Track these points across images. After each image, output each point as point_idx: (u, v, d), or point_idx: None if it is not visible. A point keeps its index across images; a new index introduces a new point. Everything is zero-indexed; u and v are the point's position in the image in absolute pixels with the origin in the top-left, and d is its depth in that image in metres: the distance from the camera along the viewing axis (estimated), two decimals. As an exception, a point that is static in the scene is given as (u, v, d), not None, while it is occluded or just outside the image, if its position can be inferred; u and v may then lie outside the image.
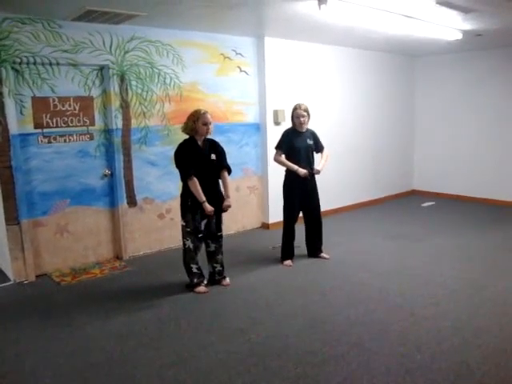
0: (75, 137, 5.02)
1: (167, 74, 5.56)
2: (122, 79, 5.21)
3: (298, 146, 5.00)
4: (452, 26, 5.63)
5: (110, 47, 5.07)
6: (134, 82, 5.31)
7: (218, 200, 4.44)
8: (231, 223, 6.42)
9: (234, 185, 6.36)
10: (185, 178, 4.25)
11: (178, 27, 5.45)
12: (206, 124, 4.25)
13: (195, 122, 4.24)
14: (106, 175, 5.28)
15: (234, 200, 6.34)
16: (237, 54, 6.19)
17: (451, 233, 6.30)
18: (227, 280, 4.59)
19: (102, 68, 5.11)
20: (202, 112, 4.27)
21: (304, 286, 4.55)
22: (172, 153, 5.59)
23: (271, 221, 6.67)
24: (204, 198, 4.21)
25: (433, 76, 8.67)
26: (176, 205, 5.73)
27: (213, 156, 4.38)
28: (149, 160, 5.55)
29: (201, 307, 4.10)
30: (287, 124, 6.57)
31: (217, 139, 6.06)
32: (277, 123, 6.54)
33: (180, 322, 3.81)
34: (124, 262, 5.32)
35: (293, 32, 5.98)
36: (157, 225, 5.67)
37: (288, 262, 5.15)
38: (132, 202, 5.48)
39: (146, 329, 3.71)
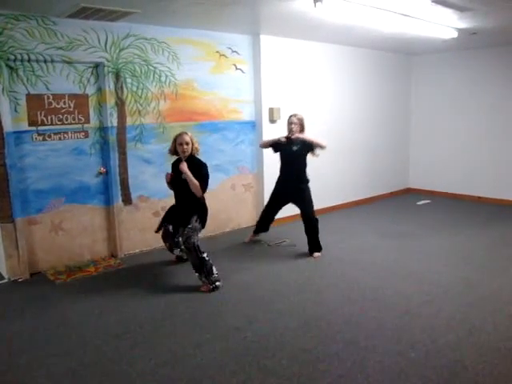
0: (70, 134, 5.00)
1: (162, 71, 5.54)
2: (117, 77, 5.19)
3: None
4: (447, 25, 5.64)
5: (105, 44, 5.04)
6: (129, 80, 5.29)
7: (186, 219, 4.50)
8: (226, 221, 6.42)
9: (229, 183, 6.37)
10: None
11: (174, 25, 5.43)
12: (182, 144, 4.46)
13: (173, 142, 4.56)
14: (101, 173, 5.26)
15: (229, 198, 6.39)
16: (232, 51, 6.17)
17: (446, 231, 6.32)
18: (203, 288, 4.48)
19: (96, 65, 5.09)
20: (179, 133, 4.56)
21: (299, 283, 4.56)
22: (167, 151, 5.62)
23: (267, 219, 6.67)
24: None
25: (428, 74, 8.68)
26: (171, 202, 5.74)
27: (184, 176, 4.47)
28: (144, 158, 5.54)
29: (196, 305, 4.09)
30: (282, 122, 6.59)
31: (212, 137, 6.14)
32: (272, 121, 6.53)
33: (175, 321, 3.81)
34: (119, 260, 5.31)
35: (288, 30, 5.97)
36: (152, 223, 5.65)
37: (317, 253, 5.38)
38: (127, 199, 5.47)
39: (140, 327, 3.70)
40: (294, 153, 5.30)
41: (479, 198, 8.20)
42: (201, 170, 4.48)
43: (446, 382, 2.89)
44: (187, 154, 4.48)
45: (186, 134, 4.54)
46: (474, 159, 8.22)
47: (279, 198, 5.61)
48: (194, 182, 4.38)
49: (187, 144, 4.47)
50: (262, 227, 5.91)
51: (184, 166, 4.41)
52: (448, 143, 8.55)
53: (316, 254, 5.33)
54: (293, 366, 3.10)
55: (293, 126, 5.28)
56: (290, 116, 5.38)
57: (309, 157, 5.35)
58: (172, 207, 4.83)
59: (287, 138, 5.29)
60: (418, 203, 8.19)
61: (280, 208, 5.76)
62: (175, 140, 4.53)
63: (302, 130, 5.33)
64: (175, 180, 4.57)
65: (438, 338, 3.44)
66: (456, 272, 4.77)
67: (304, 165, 5.37)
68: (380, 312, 3.89)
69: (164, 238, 4.95)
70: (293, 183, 5.39)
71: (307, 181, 5.41)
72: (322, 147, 5.23)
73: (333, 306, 4.01)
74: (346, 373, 3.01)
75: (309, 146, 5.25)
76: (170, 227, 4.80)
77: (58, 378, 3.03)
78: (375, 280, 4.59)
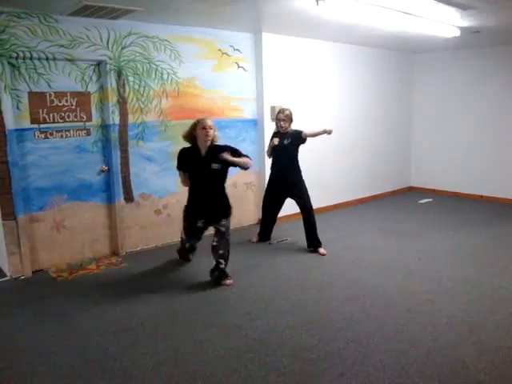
0: (72, 132, 5.01)
1: (164, 69, 5.54)
2: (119, 75, 5.19)
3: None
4: (450, 23, 5.62)
5: (107, 42, 5.04)
6: (131, 78, 5.29)
7: (218, 212, 4.43)
8: (228, 219, 6.42)
9: (230, 181, 6.33)
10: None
11: (176, 22, 5.43)
12: (205, 128, 4.23)
13: (194, 128, 4.30)
14: (102, 171, 5.27)
15: (230, 196, 6.36)
16: (234, 49, 6.17)
17: (448, 230, 6.31)
18: (230, 281, 4.49)
19: (99, 63, 5.09)
20: (202, 118, 4.35)
21: (301, 282, 4.56)
22: (169, 149, 5.63)
23: (268, 217, 6.67)
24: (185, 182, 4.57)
25: (431, 73, 8.67)
26: (173, 200, 5.75)
27: (214, 165, 4.30)
28: (146, 156, 5.54)
29: (197, 303, 4.10)
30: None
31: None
32: (274, 119, 6.52)
33: (177, 318, 3.81)
34: (121, 258, 5.32)
35: (290, 28, 5.96)
36: (153, 221, 5.67)
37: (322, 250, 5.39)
38: (129, 197, 5.47)
39: (142, 325, 3.71)
40: (286, 146, 5.36)
41: (481, 196, 8.19)
42: (235, 150, 4.36)
43: (447, 380, 2.89)
44: (210, 138, 4.28)
45: (209, 118, 4.39)
46: (476, 158, 8.21)
47: (276, 196, 5.62)
48: (243, 160, 4.34)
49: (210, 128, 4.26)
50: (265, 235, 5.87)
51: (226, 155, 4.21)
52: (450, 142, 8.54)
53: (322, 250, 5.34)
54: (294, 364, 3.10)
55: (282, 123, 5.36)
56: (278, 113, 5.42)
57: (310, 154, 5.36)
58: (189, 207, 4.55)
59: (277, 134, 5.45)
60: (420, 202, 8.18)
61: (280, 207, 5.73)
62: (196, 125, 4.29)
63: (290, 123, 5.43)
64: (197, 172, 4.40)
65: (439, 336, 3.44)
66: (457, 271, 4.77)
67: (297, 157, 5.44)
68: (381, 310, 3.89)
69: (190, 236, 4.69)
70: (289, 177, 5.44)
71: (301, 172, 5.47)
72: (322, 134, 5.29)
73: (334, 305, 4.01)
74: (347, 371, 3.01)
75: (300, 139, 5.34)
76: (200, 222, 4.51)
77: (59, 375, 3.04)
78: (376, 278, 4.59)
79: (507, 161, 7.84)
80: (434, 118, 8.73)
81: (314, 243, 5.42)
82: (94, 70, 5.09)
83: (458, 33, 6.01)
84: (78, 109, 5.02)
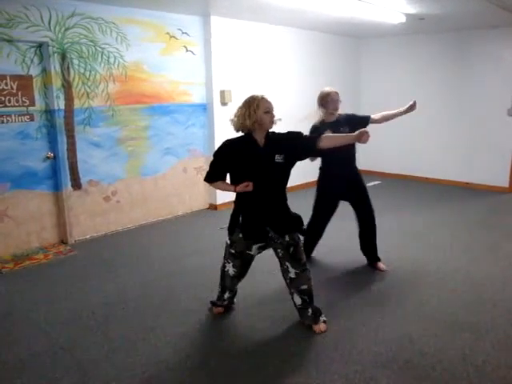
0: (14, 117, 4.80)
1: (111, 52, 5.39)
2: (63, 57, 5.01)
3: None
4: (396, 9, 5.74)
5: (49, 23, 4.84)
6: (75, 61, 5.12)
7: (285, 224, 3.30)
8: (178, 205, 6.39)
9: (180, 166, 6.32)
10: (206, 179, 3.29)
11: (122, 4, 5.27)
12: (270, 112, 3.08)
13: (256, 110, 3.03)
14: (48, 157, 5.10)
15: (180, 181, 6.33)
16: (183, 33, 6.07)
17: (396, 211, 6.53)
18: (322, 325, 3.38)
19: (40, 45, 4.89)
20: (260, 96, 3.08)
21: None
22: (117, 134, 5.51)
23: (219, 201, 6.67)
24: (233, 188, 3.15)
25: (378, 58, 8.84)
26: (122, 187, 5.66)
27: (278, 158, 3.14)
28: (93, 141, 5.40)
29: (149, 290, 4.07)
30: (234, 104, 6.55)
31: (162, 120, 6.05)
32: (223, 104, 6.50)
33: (128, 306, 3.78)
34: (69, 247, 5.20)
35: (240, 11, 5.92)
36: (102, 207, 5.56)
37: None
38: (76, 184, 5.33)
39: (93, 313, 3.66)
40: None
41: (427, 178, 8.50)
42: (296, 132, 3.24)
43: (394, 355, 3.02)
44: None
45: (265, 96, 3.13)
46: (422, 142, 8.49)
47: (335, 200, 4.51)
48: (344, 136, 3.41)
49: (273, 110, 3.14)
50: (309, 251, 4.63)
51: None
52: (397, 126, 8.71)
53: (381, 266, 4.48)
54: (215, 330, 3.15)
55: (338, 105, 4.48)
56: (327, 95, 4.46)
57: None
58: (245, 223, 3.25)
59: (322, 125, 4.44)
60: (369, 184, 8.36)
61: (333, 213, 4.63)
62: (254, 107, 3.02)
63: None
64: (257, 168, 3.14)
65: (387, 314, 3.58)
66: (402, 250, 4.96)
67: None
68: (317, 289, 3.99)
69: (242, 268, 3.41)
70: (352, 175, 4.47)
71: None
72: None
73: (260, 280, 4.09)
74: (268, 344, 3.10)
75: (365, 123, 4.41)
76: (255, 248, 3.30)
77: (6, 369, 2.96)
78: (322, 258, 4.72)
79: (451, 145, 8.16)
80: (382, 102, 8.88)
81: (376, 257, 4.54)
82: (36, 53, 4.89)
83: (403, 19, 6.15)
84: (20, 93, 4.81)
